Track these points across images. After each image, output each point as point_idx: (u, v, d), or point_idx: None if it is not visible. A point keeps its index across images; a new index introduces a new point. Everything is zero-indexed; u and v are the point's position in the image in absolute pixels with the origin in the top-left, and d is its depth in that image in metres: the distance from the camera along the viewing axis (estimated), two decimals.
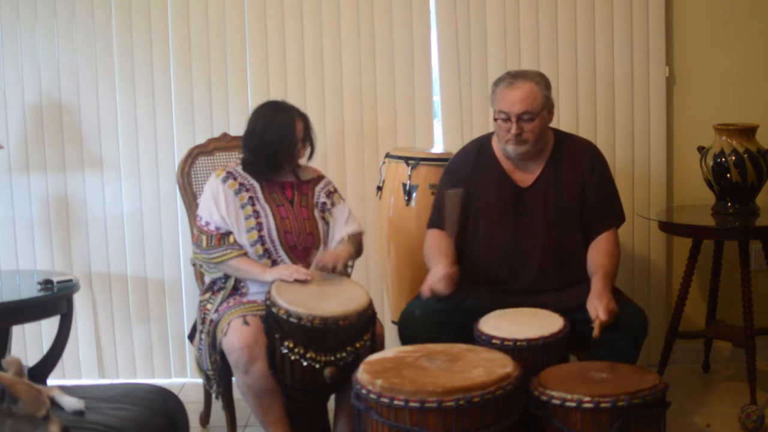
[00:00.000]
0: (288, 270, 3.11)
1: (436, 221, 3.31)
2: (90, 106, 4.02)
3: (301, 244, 3.26)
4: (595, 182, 3.25)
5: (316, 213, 3.33)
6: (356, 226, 3.37)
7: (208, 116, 4.01)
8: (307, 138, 3.32)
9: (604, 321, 2.94)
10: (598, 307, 2.97)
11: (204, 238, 3.21)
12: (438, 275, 3.07)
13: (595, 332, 2.92)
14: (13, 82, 4.01)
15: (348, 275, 3.33)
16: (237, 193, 3.26)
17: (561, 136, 3.33)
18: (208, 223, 3.22)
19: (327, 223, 3.34)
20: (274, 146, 3.24)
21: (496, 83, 3.22)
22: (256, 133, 3.27)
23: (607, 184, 3.30)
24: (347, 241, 3.31)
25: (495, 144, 3.31)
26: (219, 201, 3.23)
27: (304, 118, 3.32)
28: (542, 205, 3.23)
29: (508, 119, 3.15)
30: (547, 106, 3.21)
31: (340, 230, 3.34)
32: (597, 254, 3.19)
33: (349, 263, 3.35)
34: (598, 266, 3.15)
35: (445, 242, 3.21)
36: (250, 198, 3.27)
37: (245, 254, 3.20)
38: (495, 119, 3.20)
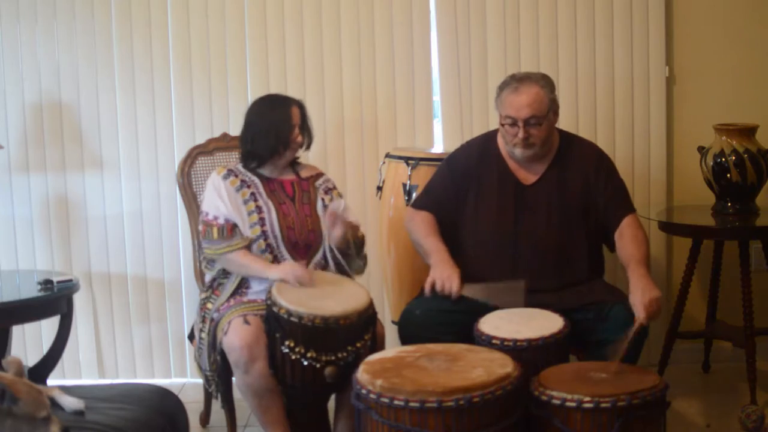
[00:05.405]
0: (292, 270, 3.10)
1: (425, 203, 3.32)
2: (90, 106, 4.02)
3: (303, 241, 3.25)
4: (602, 183, 3.23)
5: (319, 207, 3.32)
6: (353, 218, 3.35)
7: (208, 116, 4.01)
8: (305, 126, 3.32)
9: (644, 323, 2.87)
10: (638, 308, 2.88)
11: (215, 230, 3.20)
12: (449, 275, 3.04)
13: (630, 335, 2.81)
14: (13, 82, 4.01)
15: (361, 260, 3.32)
16: (238, 189, 3.26)
17: (566, 138, 3.32)
18: (216, 217, 3.21)
19: None
20: (272, 130, 3.24)
21: (501, 88, 3.20)
22: (255, 121, 3.28)
23: (615, 181, 3.27)
24: None
25: (500, 141, 3.30)
26: (223, 196, 3.23)
27: (300, 105, 3.33)
28: (545, 203, 3.22)
29: (514, 124, 3.14)
30: (553, 108, 3.19)
31: None
32: (624, 245, 3.14)
33: (355, 247, 3.31)
34: (628, 258, 3.09)
35: (436, 230, 3.23)
36: (252, 194, 3.27)
37: (248, 247, 3.19)
38: (502, 124, 3.18)
